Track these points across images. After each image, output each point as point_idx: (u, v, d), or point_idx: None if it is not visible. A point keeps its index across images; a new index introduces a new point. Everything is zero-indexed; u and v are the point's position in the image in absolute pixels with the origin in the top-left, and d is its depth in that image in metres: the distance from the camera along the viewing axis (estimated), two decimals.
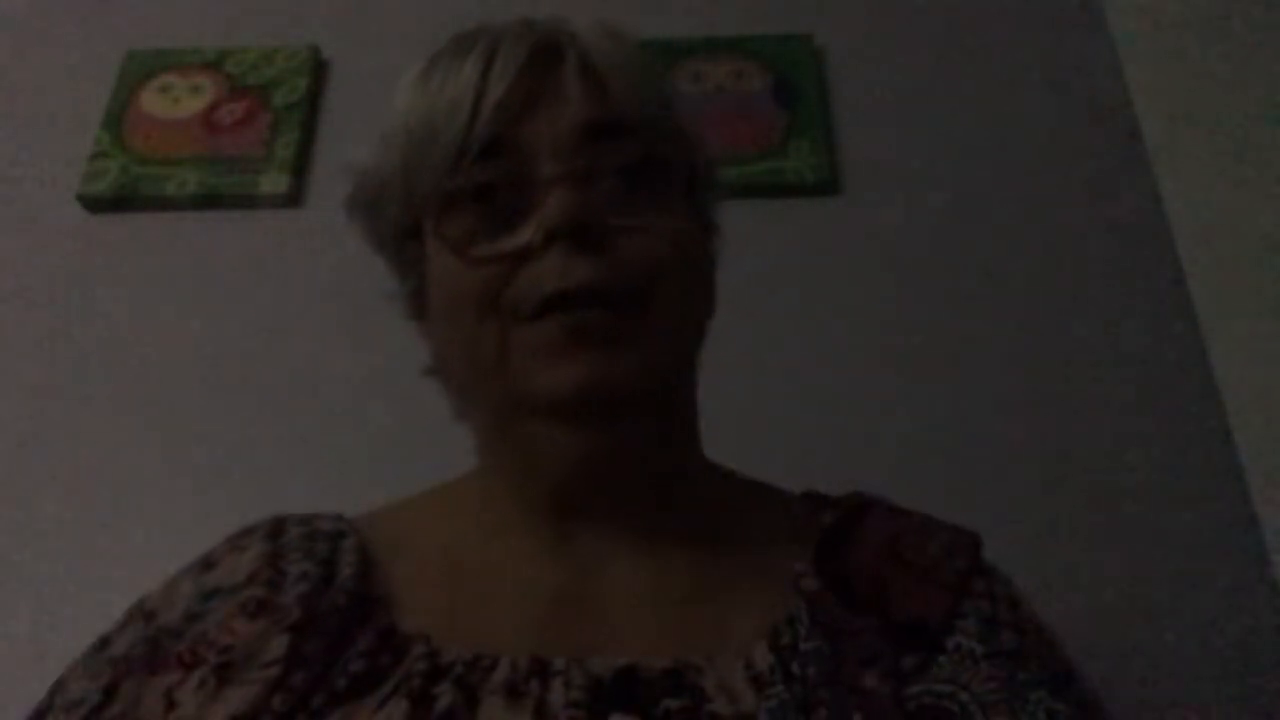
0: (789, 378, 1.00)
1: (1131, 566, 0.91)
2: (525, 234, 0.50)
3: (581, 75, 0.53)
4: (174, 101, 1.17)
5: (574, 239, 0.49)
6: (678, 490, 0.56)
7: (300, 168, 1.12)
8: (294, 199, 1.10)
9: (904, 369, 1.01)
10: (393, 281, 0.60)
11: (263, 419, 1.01)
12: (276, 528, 0.57)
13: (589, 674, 0.47)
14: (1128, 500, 0.94)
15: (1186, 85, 1.10)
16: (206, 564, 0.56)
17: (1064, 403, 0.99)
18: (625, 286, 0.50)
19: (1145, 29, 1.15)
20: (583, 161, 0.51)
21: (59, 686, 0.52)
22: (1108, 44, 1.16)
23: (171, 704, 0.48)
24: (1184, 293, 1.03)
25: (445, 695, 0.46)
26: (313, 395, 1.01)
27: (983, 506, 0.92)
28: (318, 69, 1.19)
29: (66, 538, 0.95)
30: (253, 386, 1.02)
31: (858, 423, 0.98)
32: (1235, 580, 0.90)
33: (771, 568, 0.53)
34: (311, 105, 1.16)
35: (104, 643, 0.54)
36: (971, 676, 0.48)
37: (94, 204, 1.12)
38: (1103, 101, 1.14)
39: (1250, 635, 0.88)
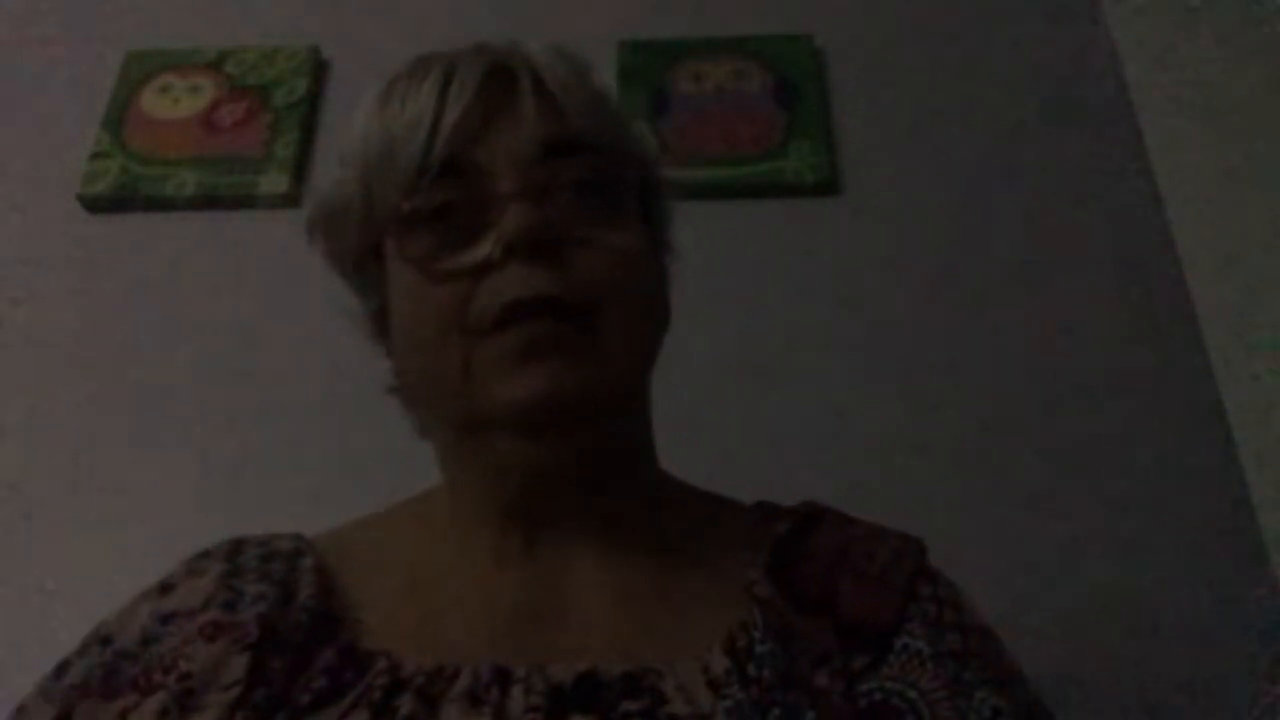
0: (788, 377, 1.01)
1: (1131, 567, 0.91)
2: (485, 248, 0.51)
3: (536, 95, 0.54)
4: (174, 101, 1.17)
5: (531, 251, 0.50)
6: (635, 500, 0.57)
7: (300, 168, 1.12)
8: (294, 199, 1.10)
9: (903, 368, 1.01)
10: (354, 302, 0.61)
11: (262, 418, 1.01)
12: (234, 549, 0.58)
13: (549, 680, 0.48)
14: (1127, 500, 0.94)
15: (1186, 85, 1.10)
16: (164, 588, 0.56)
17: (1063, 402, 0.99)
18: (580, 299, 0.51)
19: (1145, 29, 1.15)
20: (539, 177, 0.52)
21: (17, 714, 0.52)
22: (1108, 44, 1.16)
23: None
24: (1184, 292, 1.03)
25: (405, 705, 0.47)
26: (312, 394, 1.01)
27: (981, 506, 0.93)
28: (318, 69, 1.19)
29: (66, 537, 0.95)
30: (252, 386, 1.02)
31: (856, 422, 0.98)
32: (1235, 580, 0.90)
33: (727, 576, 0.55)
34: (311, 105, 1.16)
35: (62, 668, 0.54)
36: (919, 675, 0.50)
37: (94, 204, 1.12)
38: (1103, 101, 1.14)
39: (1250, 635, 0.88)
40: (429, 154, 0.52)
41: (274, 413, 1.01)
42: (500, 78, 0.54)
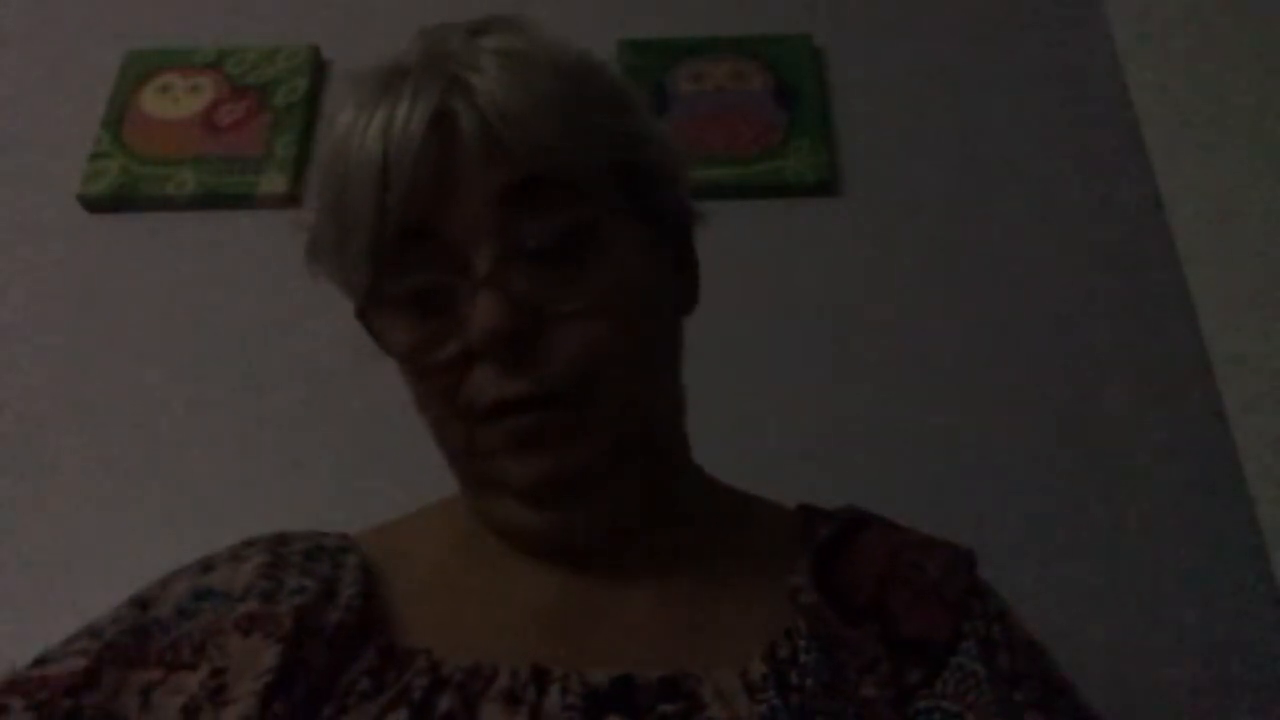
0: (788, 377, 1.01)
1: (1131, 568, 0.91)
2: (460, 341, 0.49)
3: (483, 136, 0.48)
4: (174, 101, 1.17)
5: (504, 353, 0.48)
6: (670, 517, 0.57)
7: (300, 167, 1.12)
8: (294, 199, 1.10)
9: (904, 369, 1.01)
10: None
11: (262, 419, 1.01)
12: (278, 541, 0.58)
13: (586, 682, 0.48)
14: (1127, 501, 0.94)
15: (1186, 85, 1.10)
16: (205, 566, 0.56)
17: (1063, 402, 0.99)
18: (566, 386, 0.49)
19: (1145, 29, 1.15)
20: (503, 246, 0.48)
21: (41, 659, 0.52)
22: (1108, 44, 1.16)
23: (147, 703, 0.48)
24: (1184, 290, 1.03)
25: (444, 703, 0.47)
26: (313, 395, 1.01)
27: (981, 507, 0.93)
28: (318, 69, 1.19)
29: (67, 535, 0.95)
30: (252, 386, 1.02)
31: (856, 423, 0.98)
32: (1235, 580, 0.90)
33: (768, 582, 0.54)
34: (311, 105, 1.16)
35: (94, 628, 0.53)
36: (975, 698, 0.49)
37: (94, 204, 1.12)
38: (1103, 101, 1.14)
39: (1250, 635, 0.88)
40: (380, 234, 0.49)
41: (274, 414, 1.01)
42: (447, 119, 0.49)
